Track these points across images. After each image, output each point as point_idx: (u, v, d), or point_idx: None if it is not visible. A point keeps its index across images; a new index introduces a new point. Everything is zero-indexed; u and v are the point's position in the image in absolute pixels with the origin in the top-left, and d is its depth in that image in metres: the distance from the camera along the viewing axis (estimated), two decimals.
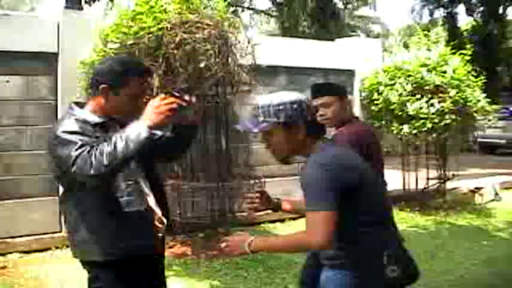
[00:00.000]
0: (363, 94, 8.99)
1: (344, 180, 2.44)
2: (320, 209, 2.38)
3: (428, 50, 8.75)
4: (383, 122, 8.67)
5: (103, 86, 2.74)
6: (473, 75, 8.55)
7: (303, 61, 8.57)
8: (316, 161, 2.49)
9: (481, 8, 30.14)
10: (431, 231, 7.77)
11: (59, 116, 6.58)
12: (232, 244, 2.69)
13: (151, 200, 2.93)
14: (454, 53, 8.67)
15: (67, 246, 6.39)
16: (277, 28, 27.98)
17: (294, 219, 8.09)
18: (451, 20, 31.15)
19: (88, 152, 2.50)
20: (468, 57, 8.58)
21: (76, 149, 2.52)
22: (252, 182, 6.75)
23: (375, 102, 8.53)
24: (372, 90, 8.71)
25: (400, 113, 8.33)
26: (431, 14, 32.37)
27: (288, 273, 5.75)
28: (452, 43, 9.17)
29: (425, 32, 9.24)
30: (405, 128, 8.24)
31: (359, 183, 2.50)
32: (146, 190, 2.93)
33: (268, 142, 2.68)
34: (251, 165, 7.85)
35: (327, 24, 21.94)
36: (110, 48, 6.00)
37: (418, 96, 8.20)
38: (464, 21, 32.77)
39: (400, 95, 8.26)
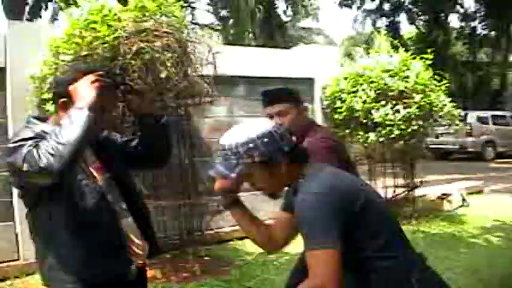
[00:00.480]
0: (325, 103, 8.77)
1: (348, 208, 2.16)
2: (324, 247, 2.07)
3: (390, 55, 8.61)
4: (347, 131, 8.46)
5: (63, 99, 2.50)
6: (436, 80, 8.44)
7: (262, 70, 8.31)
8: (313, 191, 2.18)
9: (423, 17, 30.82)
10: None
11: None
12: None
13: (127, 222, 2.65)
14: (414, 58, 8.56)
15: (27, 275, 6.01)
16: (220, 42, 27.88)
17: None
18: (393, 29, 31.76)
19: (35, 146, 2.28)
20: (429, 62, 8.46)
21: (26, 148, 2.30)
22: (218, 197, 6.43)
23: (338, 110, 8.31)
24: (334, 98, 8.50)
25: (365, 121, 8.14)
26: (374, 23, 32.95)
27: None
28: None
29: (386, 37, 9.10)
30: (372, 136, 8.06)
31: (364, 206, 2.21)
32: (121, 208, 2.65)
33: (252, 182, 2.39)
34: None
35: (274, 36, 21.91)
36: (63, 61, 5.60)
37: (383, 102, 8.02)
38: (406, 30, 33.49)
39: (364, 102, 8.07)
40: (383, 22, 32.63)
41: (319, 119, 8.87)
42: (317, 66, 8.95)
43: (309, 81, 8.97)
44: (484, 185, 12.22)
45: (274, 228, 2.69)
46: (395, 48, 8.75)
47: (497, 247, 7.24)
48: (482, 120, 21.11)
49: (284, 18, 27.09)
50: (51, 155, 2.22)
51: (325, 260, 2.05)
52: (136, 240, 2.68)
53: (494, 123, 21.39)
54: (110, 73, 2.66)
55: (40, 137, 2.37)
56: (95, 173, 2.60)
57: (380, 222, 2.28)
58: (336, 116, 8.43)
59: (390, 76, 8.17)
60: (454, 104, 8.47)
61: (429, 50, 8.51)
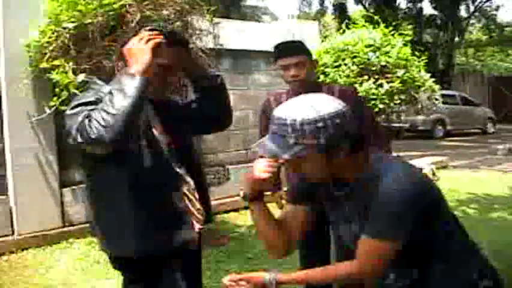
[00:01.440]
0: None
1: (425, 204, 1.98)
2: (385, 239, 1.94)
3: (371, 30, 8.74)
4: None
5: (120, 62, 2.49)
6: (415, 55, 8.65)
7: (245, 44, 8.36)
8: (394, 186, 1.93)
9: None
10: None
11: (4, 109, 6.03)
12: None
13: (189, 186, 2.66)
14: (393, 34, 8.73)
15: (22, 250, 5.93)
16: None
17: (247, 208, 7.91)
18: (340, 8, 32.17)
19: (88, 116, 2.25)
20: (409, 38, 8.66)
21: (81, 117, 2.27)
22: (215, 169, 6.49)
23: None
24: (317, 72, 8.60)
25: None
26: (321, 3, 33.19)
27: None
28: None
29: (365, 14, 9.25)
30: None
31: (437, 201, 2.07)
32: (182, 172, 2.65)
33: (299, 168, 2.05)
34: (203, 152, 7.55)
35: (229, 13, 21.83)
36: (65, 28, 5.50)
37: (366, 77, 8.18)
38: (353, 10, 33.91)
39: (347, 76, 8.20)
40: (330, 1, 32.96)
41: None
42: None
43: None
44: (448, 160, 12.67)
45: (288, 228, 2.34)
46: (375, 24, 8.89)
47: (475, 218, 7.61)
48: (429, 98, 21.65)
49: None
50: (103, 126, 2.18)
51: (380, 253, 1.96)
52: (197, 205, 2.69)
53: (443, 102, 21.99)
54: (169, 30, 2.55)
55: (100, 100, 2.32)
56: (158, 137, 2.58)
57: (448, 214, 2.16)
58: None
59: (373, 51, 8.32)
60: (434, 79, 8.72)
61: (410, 27, 8.70)
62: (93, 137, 2.18)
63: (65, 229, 6.45)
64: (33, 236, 6.13)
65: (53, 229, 6.36)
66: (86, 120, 2.23)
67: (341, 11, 31.96)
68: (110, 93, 2.26)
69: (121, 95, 2.22)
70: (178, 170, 2.61)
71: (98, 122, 2.19)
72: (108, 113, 2.19)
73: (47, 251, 6.09)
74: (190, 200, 2.64)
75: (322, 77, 8.44)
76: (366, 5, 31.62)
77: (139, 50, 2.32)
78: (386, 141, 3.92)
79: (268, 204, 2.35)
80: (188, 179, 2.66)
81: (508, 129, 24.04)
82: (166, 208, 2.53)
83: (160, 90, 2.54)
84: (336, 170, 2.04)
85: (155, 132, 2.56)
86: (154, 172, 2.49)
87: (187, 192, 2.64)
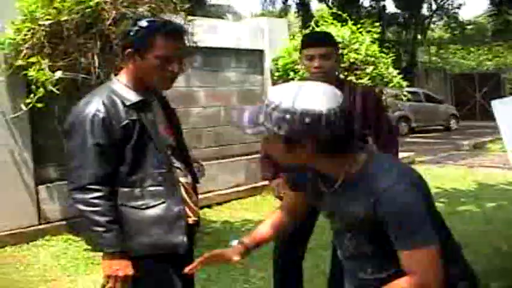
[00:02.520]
0: (277, 74, 9.05)
1: (431, 203, 2.00)
2: (430, 243, 1.88)
3: (339, 27, 8.97)
4: None
5: (128, 50, 2.54)
6: (383, 52, 8.90)
7: (216, 41, 8.48)
8: (399, 186, 1.89)
9: None
10: None
11: None
12: None
13: (187, 179, 2.78)
14: (360, 32, 8.97)
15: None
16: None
17: (220, 203, 8.13)
18: (303, 7, 32.42)
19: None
20: (377, 35, 8.91)
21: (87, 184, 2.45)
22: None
23: (292, 81, 8.61)
24: (287, 69, 8.80)
25: None
26: (285, 1, 33.40)
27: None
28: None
29: (333, 12, 9.46)
30: None
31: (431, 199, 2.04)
32: (182, 168, 2.77)
33: (269, 150, 2.07)
34: None
35: (194, 12, 21.83)
36: (40, 25, 5.57)
37: None
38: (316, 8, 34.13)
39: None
40: (294, 0, 33.19)
41: (269, 90, 9.16)
42: (268, 38, 9.21)
43: (259, 53, 9.21)
44: (414, 156, 12.99)
45: (292, 208, 2.39)
46: (343, 22, 9.11)
47: (444, 211, 7.78)
48: (396, 96, 22.04)
49: None
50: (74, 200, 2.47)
51: (433, 259, 1.88)
52: (194, 197, 2.81)
53: (407, 100, 22.39)
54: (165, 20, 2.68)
55: (110, 100, 2.49)
56: (162, 135, 2.66)
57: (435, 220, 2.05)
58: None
59: (342, 48, 8.53)
60: (402, 76, 8.98)
61: (377, 24, 8.95)
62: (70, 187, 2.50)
63: (42, 226, 6.49)
64: (9, 234, 6.16)
65: (30, 226, 6.40)
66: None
67: (304, 9, 32.21)
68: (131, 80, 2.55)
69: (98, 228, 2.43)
70: (178, 165, 2.72)
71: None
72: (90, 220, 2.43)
73: (24, 248, 6.12)
74: (188, 193, 2.75)
75: (292, 74, 8.63)
76: (330, 3, 31.94)
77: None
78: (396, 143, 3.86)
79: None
80: (186, 172, 2.78)
81: (471, 126, 24.60)
82: (168, 208, 2.62)
83: (162, 81, 2.60)
84: (320, 167, 2.01)
85: (159, 129, 2.64)
86: (157, 168, 2.59)
87: (186, 185, 2.75)
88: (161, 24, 2.55)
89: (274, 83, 9.15)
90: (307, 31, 9.33)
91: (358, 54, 8.47)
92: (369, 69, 8.37)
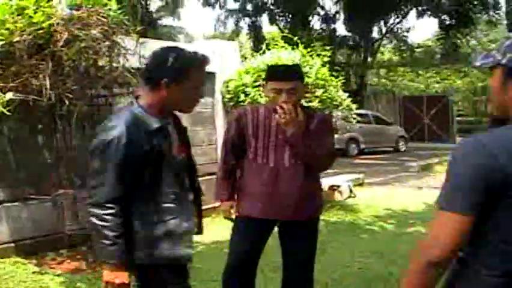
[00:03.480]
0: (228, 96, 9.16)
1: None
2: (455, 210, 1.82)
3: (290, 50, 9.14)
4: None
5: (165, 80, 2.76)
6: (333, 76, 9.11)
7: None
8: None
9: (285, 18, 32.04)
10: None
11: None
12: None
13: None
14: (311, 55, 9.17)
15: None
16: None
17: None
18: (255, 29, 32.81)
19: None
20: (327, 59, 9.13)
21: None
22: None
23: (242, 104, 8.74)
24: (238, 91, 8.92)
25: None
26: (236, 23, 33.68)
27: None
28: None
29: (284, 35, 9.65)
30: None
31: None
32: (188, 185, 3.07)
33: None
34: None
35: (146, 33, 21.82)
36: None
37: None
38: (267, 30, 34.50)
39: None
40: (245, 22, 33.52)
41: (220, 113, 9.29)
42: (217, 61, 9.33)
43: (211, 75, 9.31)
44: (364, 178, 13.25)
45: None
46: (293, 45, 9.29)
47: (393, 232, 8.11)
48: (345, 118, 22.45)
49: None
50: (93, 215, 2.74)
51: (446, 223, 1.83)
52: (194, 218, 3.06)
53: (357, 121, 22.77)
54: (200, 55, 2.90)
55: (133, 126, 2.71)
56: (176, 156, 2.93)
57: None
58: None
59: None
60: (351, 99, 9.22)
61: (328, 48, 9.17)
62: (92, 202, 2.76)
63: None
64: None
65: None
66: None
67: (255, 32, 32.61)
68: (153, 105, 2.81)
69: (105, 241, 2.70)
70: (187, 182, 3.02)
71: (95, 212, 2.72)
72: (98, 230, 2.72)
73: None
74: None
75: (242, 97, 8.75)
76: (281, 26, 32.39)
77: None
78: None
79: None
80: (190, 192, 3.07)
81: (419, 147, 25.21)
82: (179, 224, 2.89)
83: (190, 107, 2.95)
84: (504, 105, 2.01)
85: (174, 150, 2.91)
86: (172, 188, 2.87)
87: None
88: (196, 57, 2.85)
89: (224, 106, 9.27)
90: (258, 54, 9.58)
91: (308, 77, 8.62)
92: (319, 92, 8.56)
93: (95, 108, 6.48)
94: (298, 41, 9.24)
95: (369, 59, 33.16)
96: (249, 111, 3.88)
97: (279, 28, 32.45)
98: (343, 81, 9.26)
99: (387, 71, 37.77)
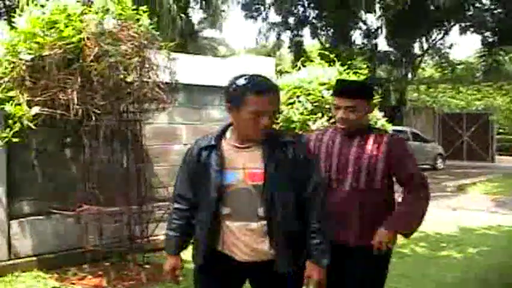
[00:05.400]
0: None
1: None
2: None
3: (327, 67, 8.93)
4: None
5: (227, 105, 2.97)
6: None
7: (201, 79, 8.43)
8: None
9: (326, 32, 31.83)
10: None
11: None
12: None
13: None
14: (348, 72, 8.93)
15: None
16: None
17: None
18: (296, 43, 32.70)
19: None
20: (364, 76, 8.88)
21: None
22: (167, 204, 6.50)
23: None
24: None
25: (301, 132, 8.40)
26: (278, 36, 33.59)
27: None
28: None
29: (320, 51, 9.45)
30: None
31: None
32: None
33: None
34: (155, 187, 7.54)
35: (186, 45, 21.83)
36: (21, 59, 5.53)
37: (319, 114, 8.34)
38: (308, 44, 34.38)
39: (301, 113, 8.36)
40: (287, 35, 33.39)
41: None
42: None
43: None
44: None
45: None
46: (330, 62, 9.09)
47: (424, 255, 7.80)
48: None
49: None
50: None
51: None
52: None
53: None
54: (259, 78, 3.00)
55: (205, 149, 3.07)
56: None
57: None
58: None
59: (327, 89, 8.50)
60: (386, 119, 8.94)
61: (364, 66, 8.93)
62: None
63: (11, 262, 6.35)
64: None
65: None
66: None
67: (297, 45, 32.47)
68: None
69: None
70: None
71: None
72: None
73: None
74: None
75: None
76: (323, 40, 32.19)
77: None
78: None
79: None
80: None
81: (457, 166, 24.69)
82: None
83: (254, 133, 2.93)
84: None
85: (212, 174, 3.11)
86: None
87: None
88: (254, 83, 2.91)
89: None
90: (294, 70, 9.38)
91: None
92: None
93: (123, 124, 6.36)
94: (335, 58, 9.01)
95: (409, 75, 32.73)
96: (313, 137, 3.85)
97: (320, 42, 32.26)
98: (381, 97, 8.99)
99: (428, 87, 37.14)
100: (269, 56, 35.89)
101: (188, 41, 22.69)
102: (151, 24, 6.18)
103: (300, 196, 3.01)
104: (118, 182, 6.49)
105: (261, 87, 2.90)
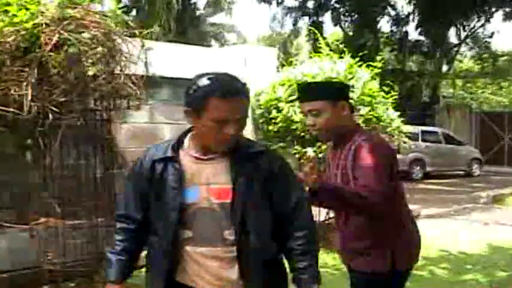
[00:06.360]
0: (258, 112, 8.84)
1: None
2: None
3: (334, 61, 8.76)
4: (282, 145, 8.57)
5: (186, 108, 2.78)
6: (383, 91, 8.68)
7: (189, 71, 8.26)
8: None
9: (350, 18, 31.60)
10: (344, 271, 7.73)
11: None
12: None
13: None
14: (360, 66, 8.76)
15: None
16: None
17: None
18: (316, 29, 32.44)
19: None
20: (378, 70, 8.70)
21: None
22: None
23: (274, 121, 8.41)
24: (270, 107, 8.60)
25: (303, 134, 8.25)
26: (295, 23, 33.42)
27: None
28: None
29: (327, 41, 9.28)
30: (310, 151, 8.18)
31: None
32: None
33: None
34: None
35: (186, 30, 21.69)
36: None
37: None
38: (330, 32, 34.23)
39: (303, 112, 8.17)
40: (304, 22, 33.21)
41: (249, 129, 8.95)
42: (251, 69, 9.02)
43: None
44: (420, 209, 12.74)
45: None
46: (341, 53, 8.93)
47: (443, 279, 7.62)
48: (411, 136, 21.83)
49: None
50: None
51: None
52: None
53: (423, 140, 22.17)
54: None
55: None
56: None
57: None
58: (270, 128, 8.52)
59: None
60: (402, 119, 8.75)
61: (378, 58, 8.77)
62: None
63: None
64: None
65: None
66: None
67: (316, 33, 32.27)
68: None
69: None
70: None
71: None
72: None
73: None
74: None
75: (274, 112, 8.43)
76: (345, 27, 31.99)
77: None
78: None
79: None
80: None
81: (496, 172, 24.37)
82: None
83: (217, 144, 2.79)
84: None
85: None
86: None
87: None
88: (218, 84, 2.70)
89: (255, 122, 8.94)
90: (299, 63, 9.22)
91: (352, 92, 8.21)
92: (364, 110, 8.11)
93: (91, 124, 6.23)
94: (345, 50, 8.84)
95: (444, 68, 32.46)
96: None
97: (343, 29, 32.07)
98: (396, 98, 8.81)
99: (465, 81, 36.85)
100: (285, 45, 36.01)
101: (188, 28, 22.51)
102: (125, 8, 6.05)
103: (278, 215, 2.91)
104: (84, 191, 6.36)
105: (226, 89, 2.70)
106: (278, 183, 2.90)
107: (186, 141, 2.92)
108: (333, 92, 3.62)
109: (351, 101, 7.74)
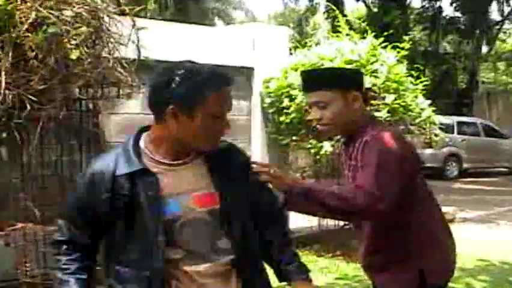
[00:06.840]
0: (267, 100, 8.85)
1: None
2: None
3: (355, 42, 8.75)
4: (295, 138, 8.57)
5: (171, 107, 2.59)
6: (412, 76, 8.67)
7: (188, 54, 8.27)
8: None
9: None
10: (367, 283, 7.75)
11: None
12: None
13: None
14: (384, 47, 8.74)
15: None
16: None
17: None
18: (336, 5, 32.45)
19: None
20: (405, 52, 8.68)
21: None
22: None
23: (286, 111, 8.41)
24: (281, 95, 8.60)
25: None
26: None
27: None
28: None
29: (347, 19, 9.28)
30: (327, 146, 8.17)
31: None
32: None
33: None
34: None
35: (186, 7, 21.75)
36: None
37: None
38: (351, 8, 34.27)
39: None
40: None
41: (257, 121, 8.96)
42: (260, 52, 9.03)
43: (248, 71, 9.05)
44: (455, 211, 12.72)
45: None
46: (363, 32, 8.92)
47: None
48: (445, 128, 21.77)
49: None
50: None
51: None
52: None
53: (460, 133, 22.11)
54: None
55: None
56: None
57: None
58: (282, 119, 8.52)
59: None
60: (434, 109, 8.73)
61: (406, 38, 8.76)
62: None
63: None
64: None
65: None
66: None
67: (335, 10, 32.28)
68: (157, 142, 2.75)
69: None
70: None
71: None
72: None
73: None
74: None
75: (286, 101, 8.43)
76: (369, 2, 31.97)
77: None
78: None
79: None
80: None
81: None
82: None
83: (209, 143, 2.74)
84: None
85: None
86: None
87: None
88: (214, 75, 2.64)
89: (264, 112, 8.94)
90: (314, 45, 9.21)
91: (376, 77, 8.19)
92: (390, 98, 8.07)
93: (75, 116, 6.25)
94: (367, 28, 8.83)
95: (484, 49, 32.39)
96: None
97: (366, 5, 32.06)
98: (426, 84, 8.79)
99: (508, 65, 36.74)
100: (299, 23, 36.03)
101: (189, 4, 22.55)
102: None
103: (256, 215, 2.94)
104: (67, 192, 6.39)
105: (220, 79, 2.67)
106: (250, 180, 2.93)
107: (142, 146, 2.77)
108: (342, 80, 3.46)
109: (374, 87, 7.81)
